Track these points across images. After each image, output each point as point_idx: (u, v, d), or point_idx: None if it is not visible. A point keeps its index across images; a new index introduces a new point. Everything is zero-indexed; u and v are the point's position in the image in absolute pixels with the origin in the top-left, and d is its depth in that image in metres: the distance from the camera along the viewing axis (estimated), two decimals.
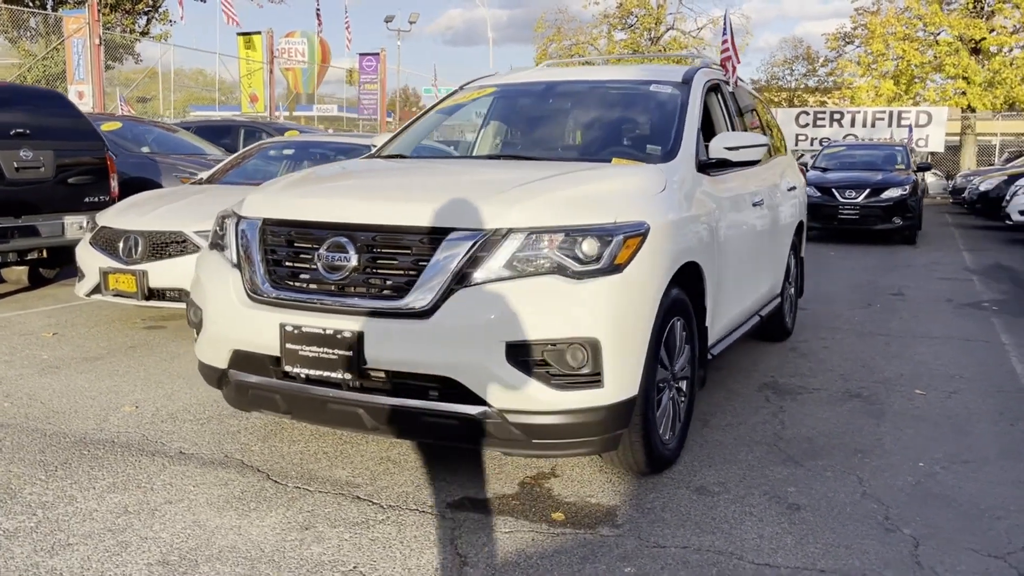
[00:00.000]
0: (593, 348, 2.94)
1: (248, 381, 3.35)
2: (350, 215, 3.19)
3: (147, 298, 5.80)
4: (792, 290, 6.21)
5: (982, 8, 29.88)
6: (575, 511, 3.15)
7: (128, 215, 6.20)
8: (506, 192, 3.22)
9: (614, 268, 3.02)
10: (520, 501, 3.23)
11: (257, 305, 3.26)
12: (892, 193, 13.28)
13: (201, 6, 60.18)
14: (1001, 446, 3.96)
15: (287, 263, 3.28)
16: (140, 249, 5.87)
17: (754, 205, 4.76)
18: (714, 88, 4.79)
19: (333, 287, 3.14)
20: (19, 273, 7.85)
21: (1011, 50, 29.77)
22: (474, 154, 4.98)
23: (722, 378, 4.97)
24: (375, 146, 4.99)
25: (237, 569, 2.67)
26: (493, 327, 2.90)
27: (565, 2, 73.87)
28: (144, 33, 27.25)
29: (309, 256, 3.21)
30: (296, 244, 3.28)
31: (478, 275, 2.96)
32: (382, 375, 3.05)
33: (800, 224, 6.24)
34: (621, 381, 3.02)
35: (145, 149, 10.04)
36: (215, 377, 3.50)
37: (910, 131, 23.87)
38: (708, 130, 4.44)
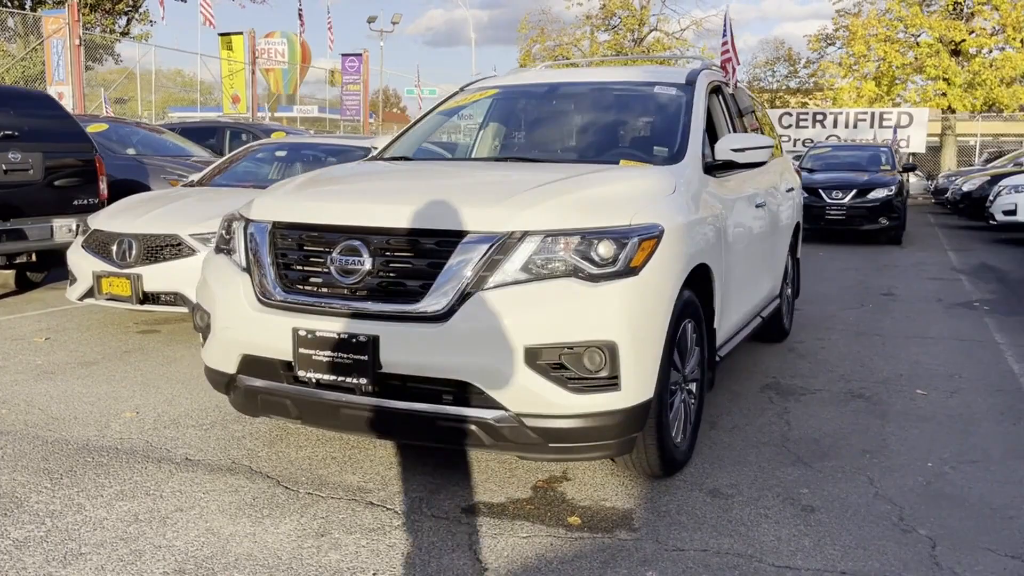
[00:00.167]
0: (611, 351, 2.92)
1: (257, 386, 3.31)
2: (364, 218, 3.15)
3: (142, 302, 5.72)
4: (789, 291, 6.23)
5: (962, 10, 30.21)
6: (591, 515, 3.13)
7: (121, 218, 6.10)
8: (520, 195, 3.20)
9: (630, 270, 3.01)
10: (535, 505, 3.21)
11: (268, 309, 3.22)
12: (878, 194, 13.39)
13: (182, 6, 59.83)
14: (1006, 446, 3.99)
15: (298, 266, 3.24)
16: (134, 252, 5.79)
17: (757, 207, 4.77)
18: (715, 90, 4.79)
19: (346, 291, 3.10)
20: (6, 277, 7.74)
21: (990, 52, 30.14)
22: (478, 156, 4.95)
23: (724, 380, 4.97)
24: (375, 148, 4.95)
25: None
26: (511, 331, 2.88)
27: (548, 3, 73.85)
28: (124, 33, 26.99)
29: (321, 259, 3.17)
30: (308, 247, 3.24)
31: (494, 278, 2.94)
32: (396, 379, 3.02)
33: (797, 225, 6.27)
34: (638, 384, 3.01)
35: (131, 151, 9.90)
36: (223, 382, 3.45)
37: (894, 132, 24.05)
38: (710, 132, 4.44)
